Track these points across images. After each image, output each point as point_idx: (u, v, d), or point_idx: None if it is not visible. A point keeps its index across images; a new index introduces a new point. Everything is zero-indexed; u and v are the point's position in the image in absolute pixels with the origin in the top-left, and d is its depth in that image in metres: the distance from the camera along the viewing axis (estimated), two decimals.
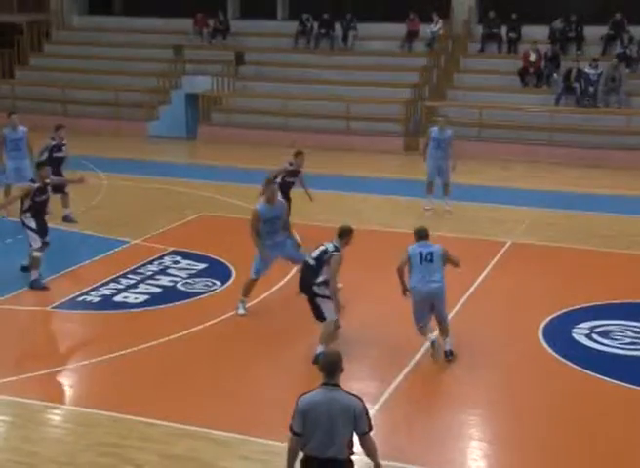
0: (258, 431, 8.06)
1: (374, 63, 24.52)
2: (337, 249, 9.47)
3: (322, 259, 9.43)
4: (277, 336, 10.42)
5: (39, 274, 11.81)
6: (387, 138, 22.26)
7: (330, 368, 5.85)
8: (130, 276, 12.28)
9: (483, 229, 14.88)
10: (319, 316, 9.61)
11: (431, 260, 9.44)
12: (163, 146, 22.89)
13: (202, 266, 12.79)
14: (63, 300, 11.35)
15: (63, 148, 14.86)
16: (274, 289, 11.87)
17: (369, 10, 25.78)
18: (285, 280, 12.21)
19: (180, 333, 10.31)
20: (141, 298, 11.49)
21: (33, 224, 11.74)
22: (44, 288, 11.74)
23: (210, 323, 10.68)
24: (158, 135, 23.82)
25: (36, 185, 11.74)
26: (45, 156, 14.60)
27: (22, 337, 10.37)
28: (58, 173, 14.23)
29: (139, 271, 12.48)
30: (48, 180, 11.93)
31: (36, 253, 11.78)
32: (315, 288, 9.51)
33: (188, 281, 12.18)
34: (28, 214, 11.69)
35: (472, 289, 11.90)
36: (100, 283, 11.96)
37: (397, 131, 22.65)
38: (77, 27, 28.81)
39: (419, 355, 9.79)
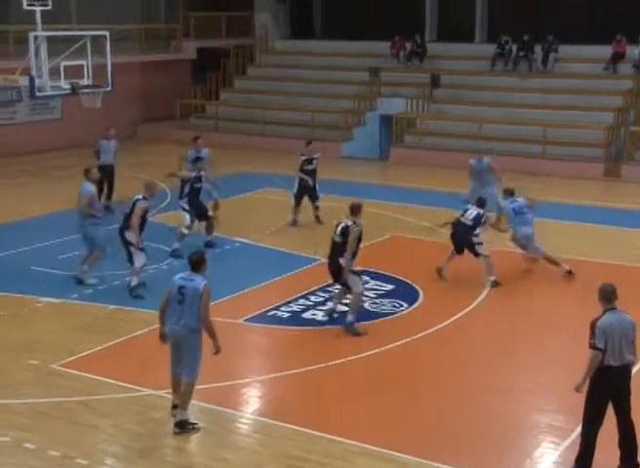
0: (438, 456, 7.98)
1: (574, 87, 23.78)
2: (355, 223, 11.07)
3: (345, 234, 11.02)
4: (459, 363, 10.26)
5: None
6: (586, 164, 21.44)
7: (608, 296, 7.54)
8: (319, 293, 12.53)
9: None
10: (346, 287, 11.23)
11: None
12: (355, 167, 23.22)
13: (390, 287, 12.84)
14: (255, 314, 11.74)
15: (314, 161, 16.29)
16: (461, 313, 11.72)
17: (572, 31, 25.01)
18: (472, 305, 12.04)
19: (365, 353, 10.38)
20: None
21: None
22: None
23: (395, 344, 10.67)
24: (351, 155, 24.25)
25: None
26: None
27: None
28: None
29: (327, 289, 12.69)
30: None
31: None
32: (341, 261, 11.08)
33: (376, 301, 12.25)
34: None
35: None
36: (290, 299, 12.28)
37: (598, 156, 21.77)
38: (279, 51, 29.97)
39: None
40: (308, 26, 31.14)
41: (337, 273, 11.23)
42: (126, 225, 12.25)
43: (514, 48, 25.19)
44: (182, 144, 23.46)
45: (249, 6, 30.09)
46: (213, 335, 8.31)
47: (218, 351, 8.35)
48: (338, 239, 11.14)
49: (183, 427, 8.41)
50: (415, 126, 24.86)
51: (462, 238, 12.97)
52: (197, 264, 8.39)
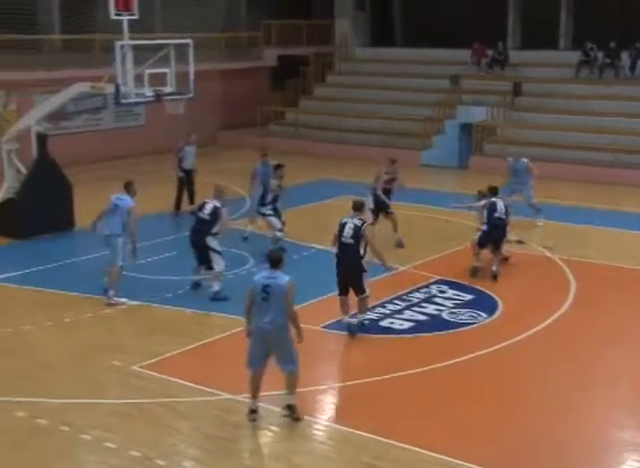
0: None
1: None
2: (363, 221, 10.95)
3: (358, 235, 10.74)
4: (538, 376, 10.06)
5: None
6: None
7: None
8: (396, 302, 12.46)
9: None
10: (361, 290, 11.02)
11: None
12: (434, 175, 23.08)
13: (468, 297, 12.69)
14: (333, 321, 11.73)
15: (395, 181, 15.79)
16: (542, 325, 11.50)
17: None
18: (554, 316, 11.80)
19: (443, 363, 10.27)
20: (407, 325, 11.60)
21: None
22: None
23: (474, 355, 10.53)
24: (431, 164, 24.09)
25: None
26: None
27: None
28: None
29: (405, 298, 12.63)
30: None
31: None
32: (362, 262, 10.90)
33: (454, 311, 12.13)
34: None
35: None
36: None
37: None
38: (359, 59, 30.00)
39: None
40: (388, 34, 31.11)
41: (359, 280, 11.01)
42: (208, 231, 12.41)
43: (600, 55, 24.64)
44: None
45: (329, 14, 30.26)
46: (298, 326, 8.60)
47: (301, 340, 8.64)
48: (351, 241, 10.88)
49: (293, 411, 8.66)
50: (495, 134, 24.53)
51: (503, 233, 13.46)
52: (277, 261, 8.69)
